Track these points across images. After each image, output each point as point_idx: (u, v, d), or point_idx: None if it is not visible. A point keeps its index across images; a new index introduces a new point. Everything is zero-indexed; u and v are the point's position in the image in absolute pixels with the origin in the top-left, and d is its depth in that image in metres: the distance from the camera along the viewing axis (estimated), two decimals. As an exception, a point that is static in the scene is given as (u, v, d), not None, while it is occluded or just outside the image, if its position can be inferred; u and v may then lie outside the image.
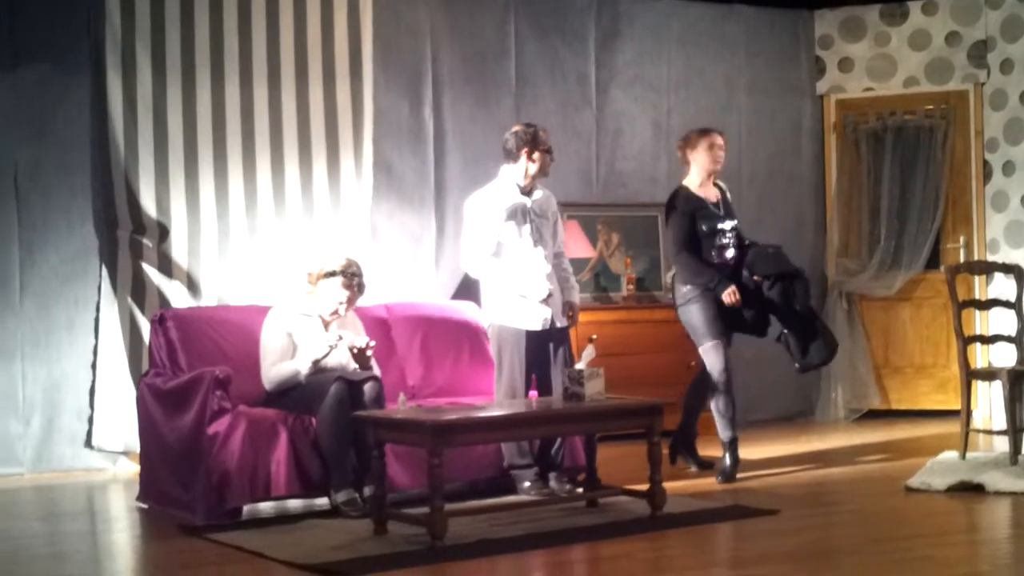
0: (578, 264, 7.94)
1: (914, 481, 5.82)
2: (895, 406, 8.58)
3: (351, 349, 5.60)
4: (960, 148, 8.55)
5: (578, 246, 7.76)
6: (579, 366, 5.31)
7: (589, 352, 5.36)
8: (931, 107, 8.59)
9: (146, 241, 6.92)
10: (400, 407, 5.22)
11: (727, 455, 6.26)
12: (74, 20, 6.88)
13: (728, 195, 6.49)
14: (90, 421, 6.87)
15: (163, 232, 6.96)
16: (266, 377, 5.64)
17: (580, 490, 5.73)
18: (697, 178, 6.40)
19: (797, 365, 6.35)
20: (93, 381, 6.88)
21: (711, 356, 6.23)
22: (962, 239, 8.51)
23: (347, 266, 5.68)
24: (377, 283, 7.07)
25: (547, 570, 4.65)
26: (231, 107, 7.08)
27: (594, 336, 7.12)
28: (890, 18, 8.69)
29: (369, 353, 5.64)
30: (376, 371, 5.69)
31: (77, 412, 6.87)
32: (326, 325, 5.70)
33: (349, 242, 7.19)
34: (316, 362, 5.54)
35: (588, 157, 8.21)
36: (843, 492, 5.99)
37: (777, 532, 5.09)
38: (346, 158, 7.34)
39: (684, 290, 6.26)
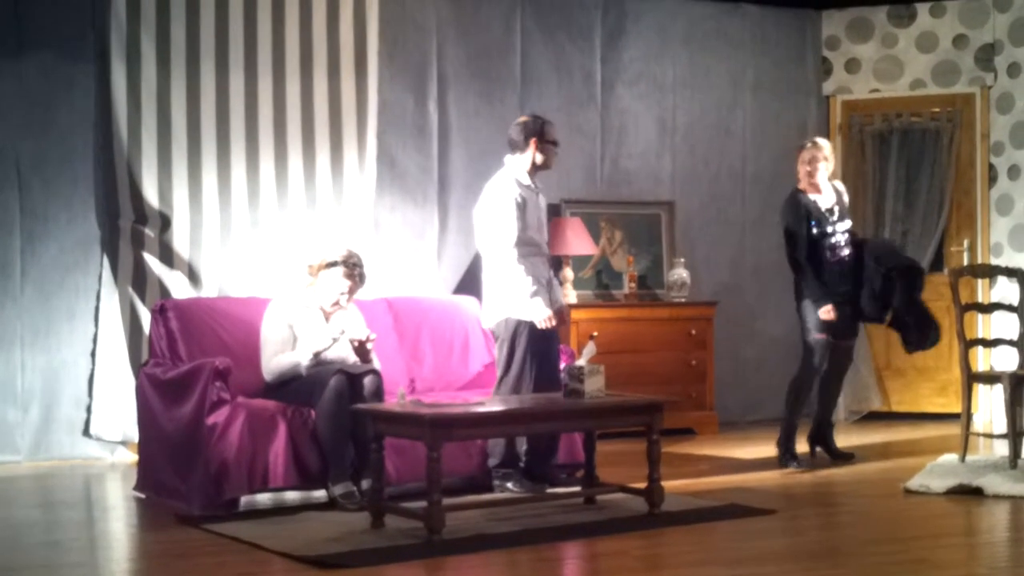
0: (580, 261, 7.95)
1: (913, 483, 5.81)
2: (896, 408, 8.57)
3: (352, 342, 5.60)
4: (966, 151, 8.53)
5: (581, 243, 7.75)
6: (579, 363, 5.30)
7: (590, 349, 5.35)
8: (937, 110, 8.58)
9: (148, 231, 6.92)
10: (399, 401, 5.22)
11: (791, 442, 6.50)
12: (79, 9, 6.88)
13: (844, 197, 6.67)
14: (89, 410, 6.88)
15: (165, 222, 6.96)
16: (266, 368, 5.63)
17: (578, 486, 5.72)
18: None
19: (913, 348, 6.59)
20: (92, 370, 6.89)
21: (816, 348, 6.45)
22: (966, 242, 8.50)
23: (348, 256, 5.68)
24: (379, 277, 7.07)
25: (544, 565, 4.64)
26: (235, 98, 7.08)
27: (595, 333, 7.13)
28: (898, 20, 8.68)
29: (370, 346, 5.63)
30: (376, 364, 5.69)
31: (76, 401, 6.87)
32: (327, 317, 5.70)
33: (351, 235, 7.18)
34: (317, 354, 5.53)
35: (592, 154, 8.20)
36: (842, 493, 5.98)
37: (774, 532, 5.09)
38: (350, 151, 7.34)
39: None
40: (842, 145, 8.74)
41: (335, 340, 5.53)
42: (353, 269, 5.66)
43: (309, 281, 5.75)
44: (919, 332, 6.47)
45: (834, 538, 5.09)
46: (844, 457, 6.68)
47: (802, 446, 6.62)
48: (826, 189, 6.60)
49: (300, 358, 5.55)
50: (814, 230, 6.48)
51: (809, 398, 6.58)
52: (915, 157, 8.62)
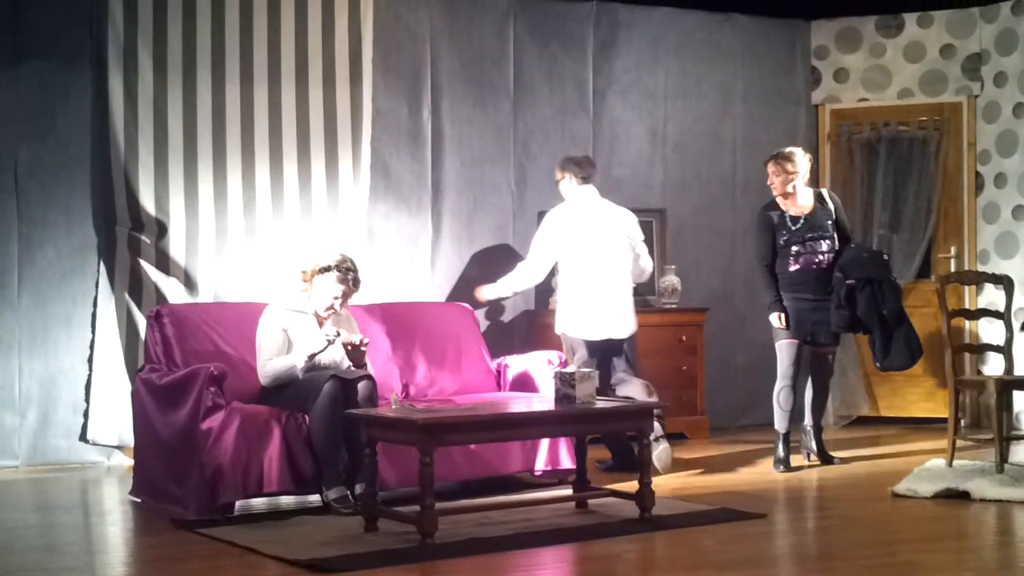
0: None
1: (901, 487, 5.88)
2: (884, 413, 8.64)
3: (346, 346, 5.65)
4: (953, 159, 8.62)
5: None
6: (571, 368, 5.36)
7: (581, 355, 5.41)
8: (925, 118, 8.66)
9: (144, 238, 6.97)
10: (393, 406, 5.27)
11: (780, 446, 6.60)
12: (76, 18, 6.94)
13: (830, 204, 6.77)
14: (85, 415, 6.93)
15: (161, 229, 7.01)
16: (262, 372, 5.68)
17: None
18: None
19: (878, 364, 6.69)
20: (89, 376, 6.93)
21: (780, 351, 6.62)
22: (953, 249, 8.58)
23: (341, 261, 5.72)
24: (373, 284, 7.12)
25: (536, 569, 4.69)
26: (231, 107, 7.13)
27: (587, 339, 7.16)
28: (886, 30, 8.76)
29: (364, 349, 5.68)
30: (370, 369, 5.74)
31: (73, 406, 6.92)
32: (321, 322, 5.75)
33: (346, 242, 7.24)
34: (312, 356, 5.58)
35: (584, 162, 8.25)
36: (830, 497, 6.05)
37: (764, 535, 5.15)
38: (344, 159, 7.40)
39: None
40: (831, 153, 8.82)
41: (329, 342, 5.57)
42: (347, 274, 5.71)
43: (303, 287, 5.80)
44: (884, 348, 6.55)
45: (824, 542, 5.15)
46: (828, 460, 6.75)
47: (794, 451, 6.70)
48: (803, 198, 6.68)
49: (295, 361, 5.60)
50: (780, 240, 6.64)
51: (788, 403, 6.64)
52: (903, 165, 8.70)
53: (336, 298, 5.70)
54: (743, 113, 8.73)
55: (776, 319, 6.65)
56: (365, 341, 5.68)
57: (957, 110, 8.63)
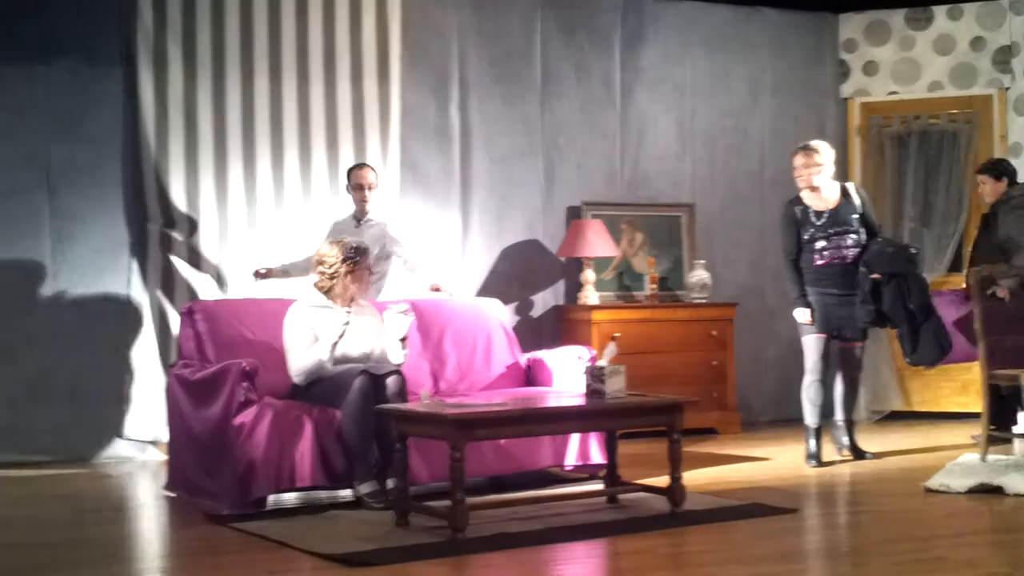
0: (602, 263, 8.02)
1: (933, 482, 5.85)
2: (917, 408, 8.60)
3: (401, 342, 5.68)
4: (983, 152, 8.56)
5: (602, 245, 7.82)
6: (600, 363, 5.36)
7: (611, 349, 5.41)
8: (955, 111, 8.61)
9: (175, 234, 7.02)
10: (423, 401, 5.29)
11: (811, 441, 6.59)
12: (106, 15, 6.99)
13: (856, 198, 6.68)
14: (119, 411, 6.98)
15: (192, 226, 7.05)
16: (292, 370, 5.71)
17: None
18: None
19: (908, 360, 6.67)
20: (122, 372, 6.99)
21: (807, 346, 6.60)
22: (985, 242, 8.51)
23: (344, 253, 5.72)
24: (402, 279, 7.15)
25: (567, 564, 4.69)
26: (260, 103, 7.17)
27: (617, 334, 7.18)
28: (915, 22, 8.71)
29: (409, 319, 5.70)
30: (403, 354, 5.73)
31: (106, 401, 6.97)
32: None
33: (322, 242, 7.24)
34: (335, 345, 5.61)
35: (612, 157, 8.27)
36: (862, 492, 6.02)
37: (796, 530, 5.13)
38: (373, 155, 7.42)
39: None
40: (860, 147, 8.78)
41: (345, 324, 5.60)
42: (353, 261, 5.71)
43: (330, 284, 5.80)
44: (912, 343, 6.52)
45: (855, 537, 5.12)
46: (860, 455, 6.73)
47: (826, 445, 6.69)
48: (828, 192, 6.65)
49: (319, 354, 5.63)
50: (804, 235, 6.61)
51: (818, 397, 6.61)
52: (933, 159, 8.65)
53: (359, 284, 5.72)
54: (771, 107, 8.70)
55: (801, 314, 6.63)
56: (409, 311, 5.71)
57: (987, 103, 8.57)
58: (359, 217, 6.90)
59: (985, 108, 8.56)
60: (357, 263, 5.73)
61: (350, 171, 6.96)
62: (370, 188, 6.86)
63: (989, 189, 7.22)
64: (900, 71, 8.73)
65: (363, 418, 5.46)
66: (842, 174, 8.81)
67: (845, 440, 6.78)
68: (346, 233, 6.62)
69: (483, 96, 7.87)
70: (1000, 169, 7.20)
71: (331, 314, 5.72)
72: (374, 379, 5.53)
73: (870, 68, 8.80)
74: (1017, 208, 6.94)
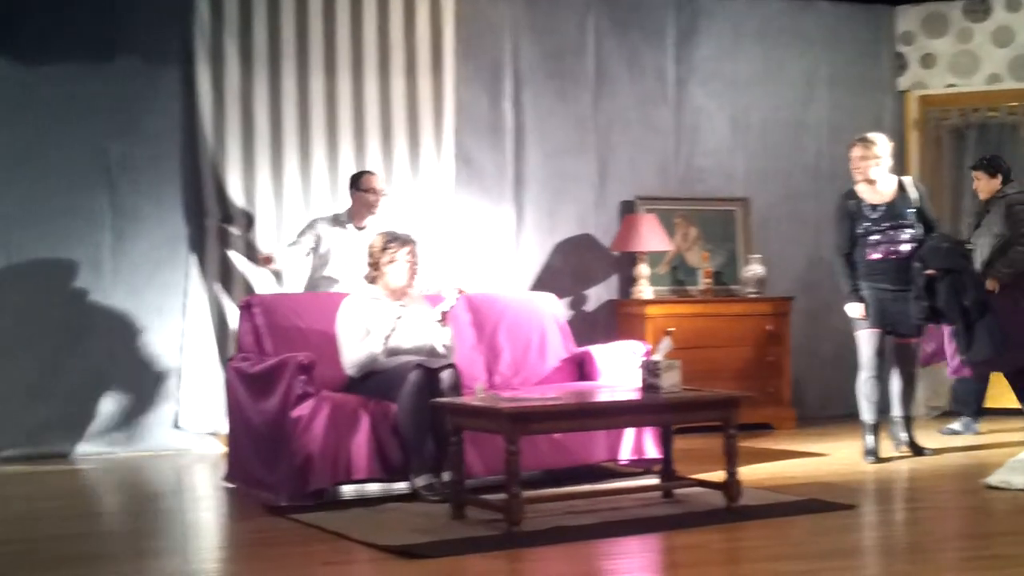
0: (655, 257, 8.00)
1: (994, 479, 5.78)
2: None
3: (440, 318, 5.72)
4: (1042, 146, 8.45)
5: (655, 239, 7.80)
6: (656, 358, 5.35)
7: (667, 344, 5.40)
8: (1014, 104, 8.49)
9: (233, 229, 7.10)
10: (477, 395, 5.31)
11: (869, 436, 6.53)
12: (165, 14, 7.07)
13: (912, 192, 6.60)
14: (178, 403, 7.07)
15: (249, 221, 7.12)
16: (346, 363, 5.76)
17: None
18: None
19: (962, 358, 6.62)
20: (181, 364, 7.08)
21: (861, 341, 6.57)
22: (1045, 237, 8.39)
23: (383, 242, 5.78)
24: (456, 273, 7.18)
25: (622, 558, 4.69)
26: (315, 99, 7.23)
27: (671, 328, 7.16)
28: (973, 14, 8.61)
29: (456, 299, 5.73)
30: (449, 338, 5.77)
31: (165, 394, 7.07)
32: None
33: (428, 232, 7.30)
34: (387, 338, 5.64)
35: (665, 152, 8.24)
36: (922, 489, 5.97)
37: (854, 527, 5.10)
38: (427, 149, 7.46)
39: None
40: (918, 141, 8.69)
41: (398, 318, 5.63)
42: (400, 244, 5.77)
43: (374, 275, 5.85)
44: (967, 340, 6.43)
45: (914, 533, 5.08)
46: (919, 451, 6.68)
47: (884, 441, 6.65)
48: (884, 186, 6.58)
49: (372, 348, 5.66)
50: (858, 228, 6.55)
51: (874, 394, 6.55)
52: (992, 152, 8.53)
53: (408, 264, 5.75)
54: (827, 100, 8.63)
55: (853, 309, 6.57)
56: (452, 304, 5.75)
57: (1047, 95, 8.45)
58: (356, 222, 6.85)
59: (1044, 101, 8.45)
60: (396, 252, 5.76)
61: (363, 176, 6.88)
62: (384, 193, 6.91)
63: (983, 185, 7.15)
64: (958, 63, 8.63)
65: (418, 411, 5.49)
66: (899, 168, 8.71)
67: (903, 436, 6.72)
68: (336, 236, 6.75)
69: (536, 91, 7.87)
70: (995, 166, 7.10)
71: (383, 307, 5.76)
72: (429, 373, 5.56)
73: (928, 61, 8.71)
74: (1013, 204, 6.84)
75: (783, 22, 8.55)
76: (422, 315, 5.81)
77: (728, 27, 8.40)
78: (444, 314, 5.77)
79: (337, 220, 6.88)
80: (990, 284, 6.63)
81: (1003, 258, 6.70)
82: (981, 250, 6.95)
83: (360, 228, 6.85)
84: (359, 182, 6.87)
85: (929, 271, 6.42)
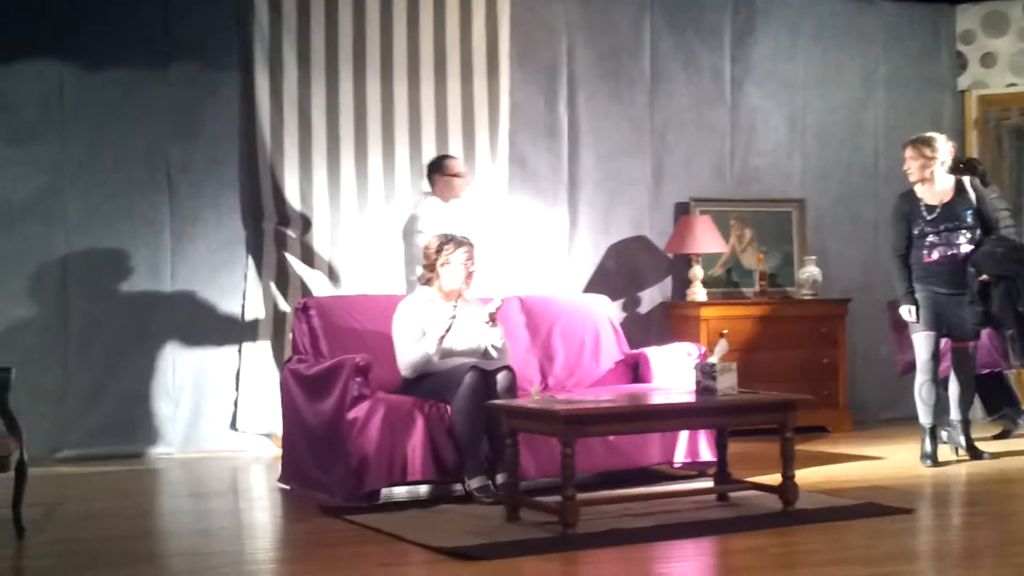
0: (710, 259, 7.96)
1: (1055, 484, 5.70)
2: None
3: (489, 320, 5.73)
4: (1105, 145, 8.32)
5: (710, 241, 7.76)
6: (712, 360, 5.33)
7: (722, 346, 5.38)
8: (1076, 103, 8.37)
9: (290, 232, 7.16)
10: (533, 397, 5.31)
11: (927, 440, 6.48)
12: (224, 20, 7.15)
13: (971, 193, 6.50)
14: (235, 404, 7.14)
15: (306, 224, 7.18)
16: (401, 363, 5.79)
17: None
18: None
19: (1018, 363, 6.61)
20: (238, 366, 7.15)
21: (917, 344, 6.51)
22: (1108, 238, 8.27)
23: (442, 241, 5.83)
24: (511, 274, 7.19)
25: (678, 562, 4.67)
26: (372, 103, 7.27)
27: (725, 331, 7.12)
28: (1035, 12, 8.49)
29: (493, 308, 5.75)
30: (499, 339, 5.78)
31: (223, 395, 7.14)
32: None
33: (484, 233, 7.31)
34: (441, 339, 5.67)
35: (722, 153, 8.20)
36: (980, 493, 5.89)
37: (912, 531, 5.04)
38: (482, 151, 7.48)
39: None
40: (978, 140, 8.59)
41: (452, 318, 5.66)
42: (455, 245, 5.80)
43: (428, 276, 5.88)
44: (1022, 346, 6.34)
45: (973, 538, 5.02)
46: (977, 455, 6.59)
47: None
48: (941, 186, 6.49)
49: (426, 348, 5.69)
50: (915, 229, 6.47)
51: (931, 397, 6.47)
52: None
53: (464, 263, 5.77)
54: (886, 100, 8.55)
55: (907, 312, 6.49)
56: (497, 306, 5.76)
57: (1109, 94, 8.32)
58: (445, 203, 6.82)
59: (1107, 99, 8.32)
60: (451, 254, 5.79)
61: (445, 160, 6.85)
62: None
63: None
64: (1019, 63, 8.51)
65: (474, 413, 5.50)
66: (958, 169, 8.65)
67: (961, 440, 6.63)
68: (448, 218, 6.68)
69: (591, 93, 7.87)
70: (970, 168, 6.98)
71: (438, 308, 5.78)
72: (484, 375, 5.58)
73: (988, 60, 8.59)
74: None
75: (841, 22, 8.48)
76: (475, 317, 5.83)
77: (785, 27, 8.34)
78: (492, 315, 5.78)
79: (441, 204, 6.82)
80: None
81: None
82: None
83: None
84: (443, 166, 6.83)
85: (983, 276, 6.32)
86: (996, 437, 7.31)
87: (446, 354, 5.73)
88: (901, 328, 6.91)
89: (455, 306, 5.71)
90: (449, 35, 7.42)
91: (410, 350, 5.75)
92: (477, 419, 5.51)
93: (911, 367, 7.01)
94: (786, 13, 8.34)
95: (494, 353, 5.80)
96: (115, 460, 6.83)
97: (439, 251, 5.84)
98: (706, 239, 7.74)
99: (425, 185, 6.93)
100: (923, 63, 8.63)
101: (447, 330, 5.69)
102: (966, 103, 8.66)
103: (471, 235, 6.11)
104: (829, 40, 8.44)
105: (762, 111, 8.29)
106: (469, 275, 5.87)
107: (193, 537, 5.08)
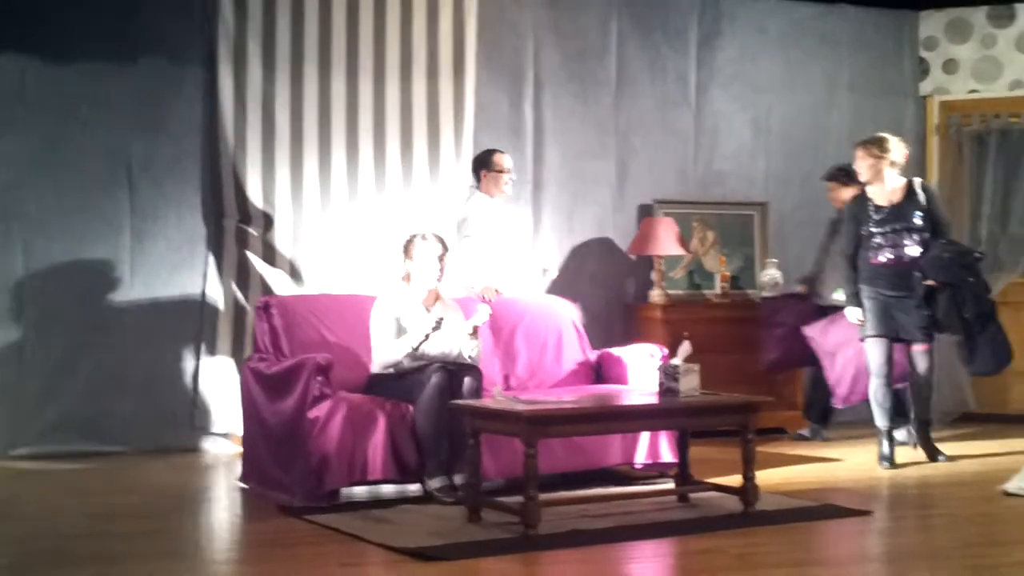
0: (672, 261, 7.98)
1: (1011, 486, 5.74)
2: (991, 410, 8.45)
3: (471, 331, 5.74)
4: (1064, 153, 8.41)
5: (673, 243, 7.78)
6: (675, 362, 5.34)
7: (685, 348, 5.39)
8: (1036, 110, 8.46)
9: (251, 230, 7.11)
10: (496, 397, 5.30)
11: (884, 442, 6.52)
12: (188, 15, 7.09)
13: (920, 195, 6.51)
14: (194, 403, 7.08)
15: (268, 222, 7.14)
16: (375, 359, 5.76)
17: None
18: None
19: (967, 368, 6.64)
20: (197, 365, 7.09)
21: (868, 349, 6.52)
22: (1064, 245, 8.37)
23: (415, 235, 5.86)
24: (475, 275, 7.15)
25: (638, 563, 4.68)
26: (336, 101, 7.24)
27: (687, 332, 7.13)
28: (997, 20, 8.57)
29: (480, 321, 5.76)
30: (475, 349, 5.78)
31: (181, 394, 7.08)
32: (428, 310, 5.81)
33: (448, 234, 7.28)
34: (415, 348, 5.65)
35: (685, 155, 8.23)
36: (938, 495, 5.93)
37: (870, 533, 5.08)
38: (447, 152, 7.46)
39: None
40: (939, 146, 8.66)
41: (427, 337, 5.63)
42: (434, 237, 5.82)
43: (405, 271, 5.85)
44: (969, 353, 6.37)
45: (932, 540, 5.05)
46: (933, 456, 6.61)
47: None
48: (891, 187, 6.50)
49: (398, 355, 5.67)
50: (863, 230, 6.48)
51: (886, 400, 6.50)
52: (1013, 158, 8.52)
53: (434, 256, 5.76)
54: (849, 105, 8.61)
55: (851, 314, 6.51)
56: (484, 319, 5.77)
57: (1070, 102, 8.41)
58: (491, 198, 6.88)
59: (1068, 107, 8.41)
60: (419, 248, 5.78)
61: (493, 155, 6.89)
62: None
63: (838, 195, 7.17)
64: (981, 69, 8.59)
65: (439, 413, 5.48)
66: (920, 173, 8.69)
67: (918, 439, 6.67)
68: (495, 215, 6.80)
69: (557, 94, 7.87)
70: (847, 175, 7.07)
71: (418, 311, 5.75)
72: (451, 375, 5.56)
73: (950, 66, 8.67)
74: None
75: (806, 26, 8.52)
76: (453, 322, 5.80)
77: (751, 30, 8.38)
78: (475, 328, 5.77)
79: (489, 200, 6.88)
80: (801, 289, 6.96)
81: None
82: (832, 258, 6.99)
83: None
84: (490, 162, 6.86)
85: (929, 282, 6.33)
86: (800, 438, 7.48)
87: (417, 357, 5.70)
88: (770, 326, 7.00)
89: (439, 320, 5.67)
90: (416, 35, 7.40)
91: (384, 349, 5.71)
92: (441, 419, 5.49)
93: (775, 365, 7.09)
94: (752, 17, 8.38)
95: (468, 360, 5.78)
96: (72, 458, 6.76)
97: (411, 242, 5.82)
98: (669, 241, 7.76)
99: (455, 182, 7.00)
100: (886, 68, 8.69)
101: (426, 337, 5.65)
102: (928, 109, 8.74)
103: (520, 232, 6.15)
104: (793, 44, 8.49)
105: (726, 114, 8.32)
106: (441, 272, 5.85)
107: (151, 536, 5.02)
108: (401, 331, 5.74)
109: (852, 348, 6.84)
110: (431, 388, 5.50)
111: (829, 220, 7.52)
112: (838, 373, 7.09)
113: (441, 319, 5.69)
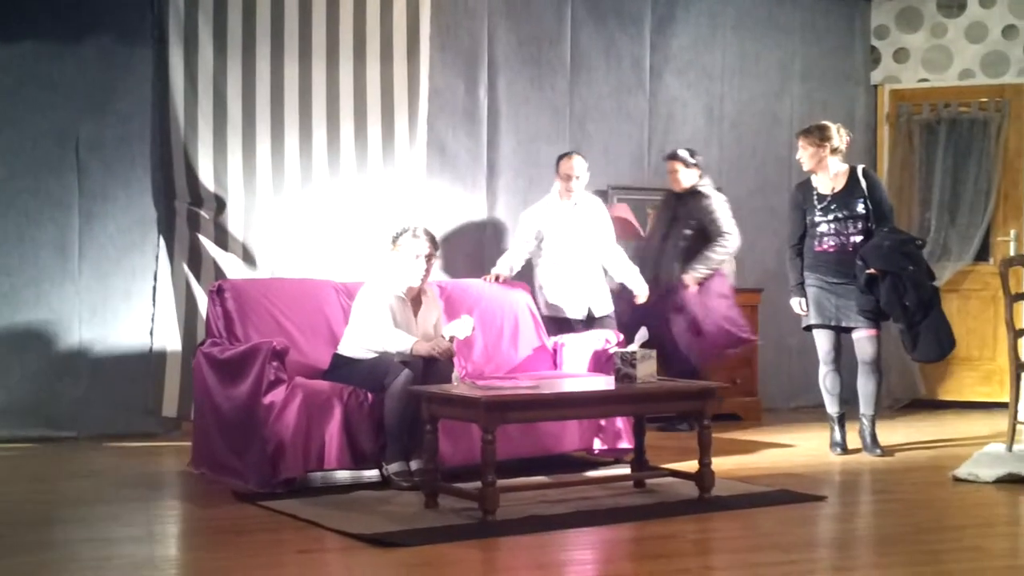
0: (627, 247, 7.98)
1: (961, 472, 5.83)
2: (940, 397, 8.57)
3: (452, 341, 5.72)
4: (1014, 142, 8.52)
5: (628, 229, 7.78)
6: (632, 348, 5.35)
7: (642, 334, 5.40)
8: (986, 100, 8.55)
9: (203, 213, 7.02)
10: (453, 383, 5.28)
11: (836, 428, 6.57)
12: (139, -6, 6.98)
13: (863, 182, 6.51)
14: (145, 388, 6.99)
15: (220, 204, 7.05)
16: (364, 340, 5.66)
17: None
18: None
19: (910, 356, 6.63)
20: (149, 349, 7.00)
21: (816, 339, 6.59)
22: (1013, 232, 8.49)
23: (408, 231, 5.78)
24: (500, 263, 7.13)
25: (595, 548, 4.70)
26: (289, 83, 7.16)
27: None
28: (947, 10, 8.66)
29: (463, 335, 5.76)
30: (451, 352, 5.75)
31: (131, 379, 6.98)
32: (415, 310, 5.77)
33: (404, 218, 7.25)
34: (398, 352, 5.60)
35: (640, 141, 8.24)
36: (890, 481, 6.00)
37: (824, 518, 5.13)
38: (401, 136, 7.41)
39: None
40: (890, 134, 8.74)
41: (404, 353, 5.58)
42: (425, 233, 5.75)
43: (391, 259, 5.78)
44: (912, 340, 6.38)
45: (885, 525, 5.11)
46: (872, 449, 6.54)
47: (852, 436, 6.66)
48: (833, 175, 6.52)
49: (393, 347, 5.58)
50: (807, 218, 6.52)
51: (835, 387, 6.55)
52: (963, 147, 8.61)
53: (421, 255, 5.69)
54: (801, 92, 8.66)
55: (796, 305, 6.56)
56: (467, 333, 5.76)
57: (1019, 92, 8.52)
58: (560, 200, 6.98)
59: (1016, 97, 8.51)
60: (407, 243, 5.72)
61: (561, 159, 7.01)
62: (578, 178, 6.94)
63: (681, 177, 7.36)
64: (931, 58, 8.68)
65: (409, 401, 5.42)
66: (871, 161, 8.81)
67: (865, 431, 6.66)
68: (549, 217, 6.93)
69: (511, 79, 7.84)
70: (694, 157, 7.34)
71: (406, 307, 5.71)
72: (425, 363, 5.51)
73: (901, 55, 8.75)
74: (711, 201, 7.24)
75: (759, 13, 8.56)
76: (430, 320, 5.75)
77: (705, 17, 8.40)
78: (453, 337, 5.73)
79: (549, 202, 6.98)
80: (688, 281, 7.00)
81: (702, 257, 7.09)
82: (674, 242, 7.14)
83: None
84: (557, 165, 7.00)
85: (870, 270, 6.35)
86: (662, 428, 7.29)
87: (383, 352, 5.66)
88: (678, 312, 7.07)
89: (452, 338, 5.66)
90: (369, 17, 7.33)
91: (378, 333, 5.62)
92: (409, 406, 5.43)
93: (705, 356, 7.11)
94: (706, 3, 8.40)
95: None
96: (20, 443, 6.65)
97: (401, 235, 5.75)
98: (624, 227, 7.75)
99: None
100: (838, 57, 8.75)
101: (421, 356, 5.56)
102: (879, 97, 8.81)
103: (580, 238, 6.44)
104: (747, 31, 8.52)
105: (680, 100, 8.34)
106: (427, 274, 5.78)
107: (103, 523, 4.95)
108: (397, 324, 5.68)
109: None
110: (405, 377, 5.43)
111: (663, 204, 7.54)
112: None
113: (454, 337, 5.67)
